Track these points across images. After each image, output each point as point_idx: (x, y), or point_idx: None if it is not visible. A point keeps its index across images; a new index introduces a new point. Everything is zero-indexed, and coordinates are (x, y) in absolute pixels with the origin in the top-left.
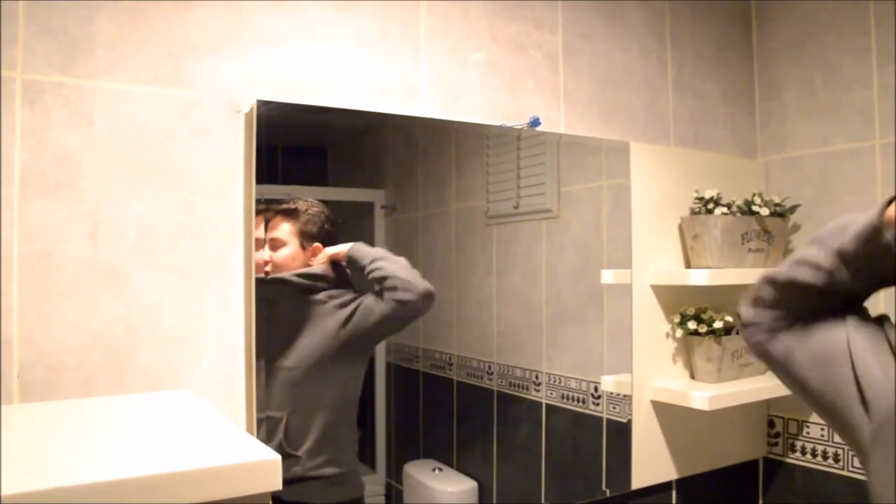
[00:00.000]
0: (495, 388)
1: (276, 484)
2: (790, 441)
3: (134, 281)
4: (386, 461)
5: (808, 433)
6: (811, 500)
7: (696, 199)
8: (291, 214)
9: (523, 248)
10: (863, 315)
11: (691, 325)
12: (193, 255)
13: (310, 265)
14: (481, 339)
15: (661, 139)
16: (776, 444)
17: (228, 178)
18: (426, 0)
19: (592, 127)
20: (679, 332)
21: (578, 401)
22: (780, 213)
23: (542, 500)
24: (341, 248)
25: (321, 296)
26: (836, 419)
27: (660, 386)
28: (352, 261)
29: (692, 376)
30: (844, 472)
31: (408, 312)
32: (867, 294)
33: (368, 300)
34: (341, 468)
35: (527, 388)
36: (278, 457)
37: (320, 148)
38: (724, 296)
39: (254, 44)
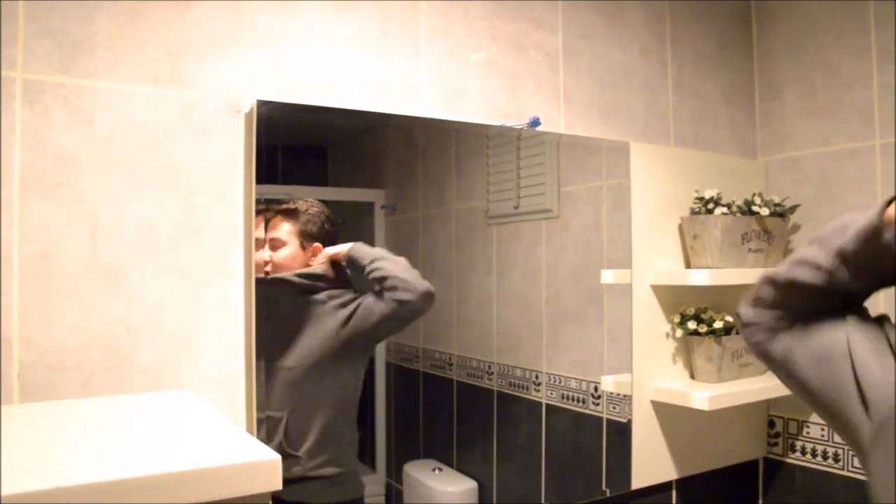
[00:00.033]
0: (495, 388)
1: (277, 484)
2: (790, 441)
3: (134, 281)
4: (386, 461)
5: (808, 433)
6: (811, 500)
7: (696, 199)
8: (291, 214)
9: (523, 248)
10: (863, 315)
11: (691, 325)
12: (193, 255)
13: (310, 265)
14: (481, 339)
15: (661, 139)
16: (776, 444)
17: (228, 178)
18: (426, 0)
19: (592, 127)
20: (679, 332)
21: (578, 401)
22: (780, 213)
23: (542, 500)
24: (341, 248)
25: (321, 296)
26: (837, 419)
27: (660, 386)
28: (351, 261)
29: (692, 376)
30: (844, 472)
31: (408, 312)
32: (867, 294)
33: (368, 300)
34: (341, 468)
35: (527, 388)
36: (278, 457)
37: (320, 148)
38: (724, 296)
39: (254, 44)
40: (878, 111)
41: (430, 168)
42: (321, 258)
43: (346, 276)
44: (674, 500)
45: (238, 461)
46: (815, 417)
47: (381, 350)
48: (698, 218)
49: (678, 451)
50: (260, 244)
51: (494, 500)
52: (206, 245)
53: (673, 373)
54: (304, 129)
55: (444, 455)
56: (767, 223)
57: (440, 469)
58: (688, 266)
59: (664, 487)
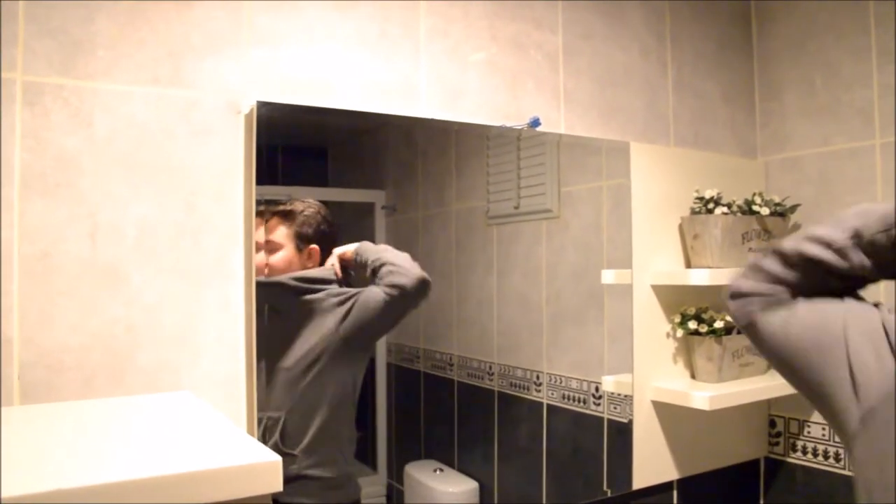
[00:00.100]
0: (496, 389)
1: (277, 485)
2: (791, 441)
3: (134, 281)
4: (387, 462)
5: (809, 433)
6: (812, 499)
7: (697, 198)
8: (287, 217)
9: (523, 248)
10: (862, 301)
11: (692, 324)
12: (193, 255)
13: (307, 267)
14: (482, 339)
15: (662, 139)
16: (777, 444)
17: (228, 178)
18: (426, 0)
19: (592, 127)
20: (679, 332)
21: (579, 401)
22: (781, 212)
23: (543, 501)
24: (349, 248)
25: (321, 294)
26: (823, 401)
27: (660, 386)
28: (359, 259)
29: (693, 376)
30: (845, 472)
31: (403, 297)
32: (869, 281)
33: (366, 291)
34: (338, 469)
35: (527, 389)
36: (278, 458)
37: (320, 148)
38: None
39: (254, 44)
40: (878, 111)
41: (431, 168)
42: (332, 260)
43: (351, 276)
44: (675, 500)
45: (238, 463)
46: (816, 417)
47: (381, 351)
48: (698, 218)
49: (679, 451)
50: (258, 247)
51: (495, 501)
52: (207, 245)
53: (673, 373)
54: (304, 130)
55: (445, 455)
56: (768, 223)
57: (441, 469)
58: (688, 266)
59: (665, 487)
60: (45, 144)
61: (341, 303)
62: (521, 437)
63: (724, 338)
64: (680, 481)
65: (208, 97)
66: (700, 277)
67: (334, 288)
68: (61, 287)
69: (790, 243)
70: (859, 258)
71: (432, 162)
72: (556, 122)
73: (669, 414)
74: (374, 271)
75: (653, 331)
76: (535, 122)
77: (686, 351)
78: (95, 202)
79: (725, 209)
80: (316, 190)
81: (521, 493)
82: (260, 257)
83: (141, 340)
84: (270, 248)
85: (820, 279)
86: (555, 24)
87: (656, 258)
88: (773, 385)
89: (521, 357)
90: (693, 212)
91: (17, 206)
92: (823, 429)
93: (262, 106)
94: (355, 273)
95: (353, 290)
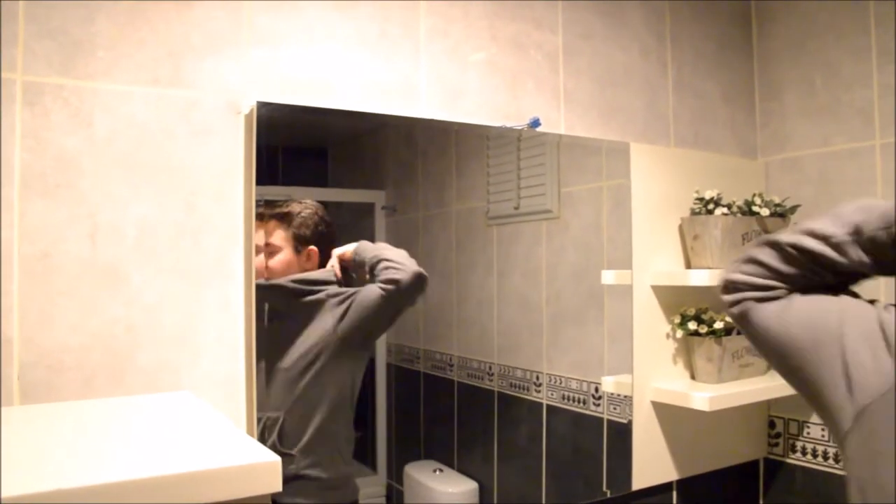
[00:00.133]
0: (496, 389)
1: (276, 486)
2: (791, 441)
3: (134, 281)
4: (387, 462)
5: (808, 434)
6: (812, 500)
7: (697, 199)
8: (284, 219)
9: (523, 248)
10: (858, 298)
11: (692, 325)
12: (193, 255)
13: (306, 269)
14: (482, 339)
15: (662, 139)
16: (777, 445)
17: (228, 178)
18: (426, 0)
19: (592, 127)
20: (679, 333)
21: (579, 401)
22: (781, 213)
23: (543, 501)
24: (348, 249)
25: (320, 295)
26: (816, 397)
27: (660, 387)
28: (358, 258)
29: (692, 377)
30: (844, 473)
31: (399, 291)
32: (864, 277)
33: (363, 291)
34: (336, 470)
35: (527, 389)
36: (278, 458)
37: (320, 149)
38: None
39: (254, 44)
40: (878, 111)
41: (431, 169)
42: (332, 261)
43: (351, 276)
44: (674, 501)
45: (238, 463)
46: (815, 418)
47: (381, 351)
48: (698, 218)
49: (679, 451)
50: (257, 250)
51: (495, 501)
52: (206, 245)
53: (673, 373)
54: (304, 130)
55: (445, 456)
56: (768, 223)
57: (441, 470)
58: (688, 266)
59: (665, 488)
60: (45, 144)
61: (339, 303)
62: (521, 437)
63: (724, 339)
64: (679, 482)
65: (208, 97)
66: (700, 278)
67: (333, 288)
68: (61, 287)
69: (787, 236)
70: (857, 254)
71: (432, 162)
72: (556, 123)
73: (669, 414)
74: (372, 269)
75: (653, 331)
76: (535, 123)
77: (686, 352)
78: (95, 202)
79: (725, 210)
80: (316, 190)
81: (520, 494)
82: (259, 260)
83: (141, 340)
84: (269, 250)
85: (816, 273)
86: (555, 24)
87: (656, 259)
88: (772, 386)
89: (521, 357)
90: (693, 212)
91: (17, 207)
92: (823, 430)
93: (262, 106)
94: (356, 274)
95: (351, 290)
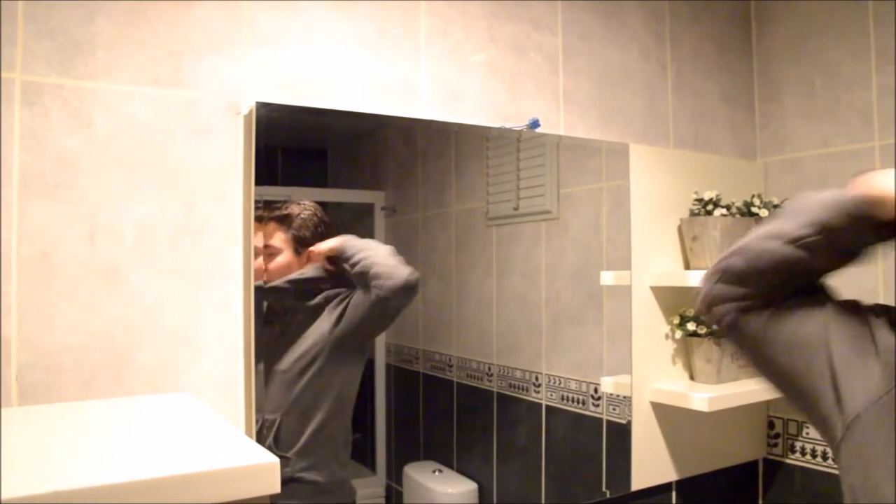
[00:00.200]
0: (495, 390)
1: (275, 487)
2: (790, 442)
3: (133, 281)
4: (386, 463)
5: (807, 434)
6: (811, 500)
7: (696, 200)
8: (284, 221)
9: (523, 249)
10: (843, 304)
11: (691, 326)
12: (193, 255)
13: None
14: (481, 340)
15: (661, 141)
16: (776, 445)
17: (228, 178)
18: (426, 0)
19: (592, 128)
20: (678, 334)
21: (578, 402)
22: None
23: (542, 502)
24: (330, 243)
25: (318, 299)
26: (807, 408)
27: (659, 387)
28: (342, 255)
29: (692, 377)
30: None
31: (393, 298)
32: (831, 270)
33: (357, 294)
34: (331, 474)
35: (526, 390)
36: (276, 460)
37: (320, 149)
38: None
39: (253, 44)
40: (878, 112)
41: (430, 169)
42: (315, 258)
43: (345, 270)
44: (674, 502)
45: (236, 464)
46: None
47: (381, 352)
48: (698, 219)
49: (678, 452)
50: (257, 252)
51: (494, 502)
52: (206, 245)
53: (672, 374)
54: (303, 131)
55: (445, 456)
56: None
57: (440, 470)
58: (687, 267)
59: (664, 489)
60: (45, 145)
61: (336, 305)
62: (520, 438)
63: (723, 339)
64: (679, 482)
65: (208, 97)
66: (699, 279)
67: (330, 290)
68: (60, 288)
69: (756, 242)
70: (821, 248)
71: (432, 163)
72: (555, 124)
73: (668, 415)
74: (362, 274)
75: (652, 332)
76: (535, 124)
77: (685, 352)
78: (95, 202)
79: (724, 211)
80: (315, 191)
81: (520, 495)
82: (258, 262)
83: (140, 341)
84: (269, 252)
85: (788, 275)
86: (554, 24)
87: (655, 260)
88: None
89: (521, 358)
90: (692, 213)
91: (16, 207)
92: None
93: (262, 106)
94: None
95: (346, 292)
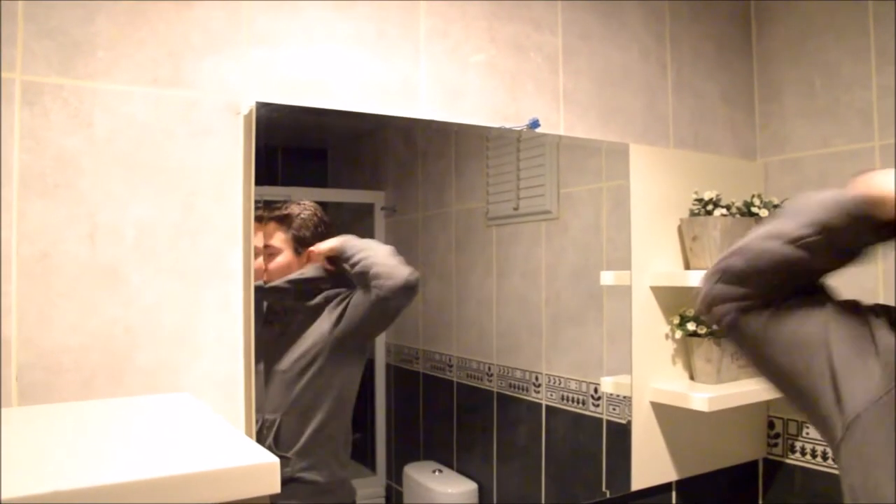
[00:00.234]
0: (495, 390)
1: (275, 487)
2: (790, 442)
3: (133, 281)
4: (386, 463)
5: (807, 434)
6: (811, 500)
7: (696, 200)
8: (284, 221)
9: (523, 249)
10: (844, 304)
11: (691, 326)
12: (192, 255)
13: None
14: (481, 340)
15: (661, 141)
16: (776, 445)
17: (228, 178)
18: (426, 0)
19: (592, 128)
20: (678, 334)
21: (578, 402)
22: None
23: (542, 502)
24: (330, 243)
25: (318, 299)
26: (807, 408)
27: (659, 387)
28: (341, 255)
29: (692, 377)
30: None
31: (393, 298)
32: (834, 269)
33: (357, 294)
34: (331, 474)
35: (526, 390)
36: (276, 460)
37: (320, 149)
38: None
39: (253, 44)
40: (878, 112)
41: (430, 169)
42: (315, 258)
43: (343, 271)
44: (673, 502)
45: (236, 464)
46: None
47: (381, 352)
48: (698, 219)
49: (678, 452)
50: (256, 252)
51: (494, 502)
52: (206, 245)
53: (672, 374)
54: (303, 131)
55: (445, 457)
56: None
57: (440, 471)
58: (687, 267)
59: (664, 489)
60: (45, 145)
61: (336, 305)
62: (520, 438)
63: (723, 339)
64: (679, 482)
65: (208, 97)
66: (699, 279)
67: (330, 290)
68: (60, 288)
69: (756, 242)
70: (821, 250)
71: (432, 163)
72: (555, 124)
73: (668, 415)
74: (362, 275)
75: (652, 332)
76: (535, 124)
77: (685, 352)
78: (95, 202)
79: (724, 211)
80: (315, 191)
81: (520, 495)
82: (258, 262)
83: (140, 341)
84: (269, 252)
85: (788, 275)
86: (554, 24)
87: (655, 260)
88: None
89: (521, 358)
90: (692, 213)
91: (16, 207)
92: None
93: (262, 107)
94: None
95: (346, 292)
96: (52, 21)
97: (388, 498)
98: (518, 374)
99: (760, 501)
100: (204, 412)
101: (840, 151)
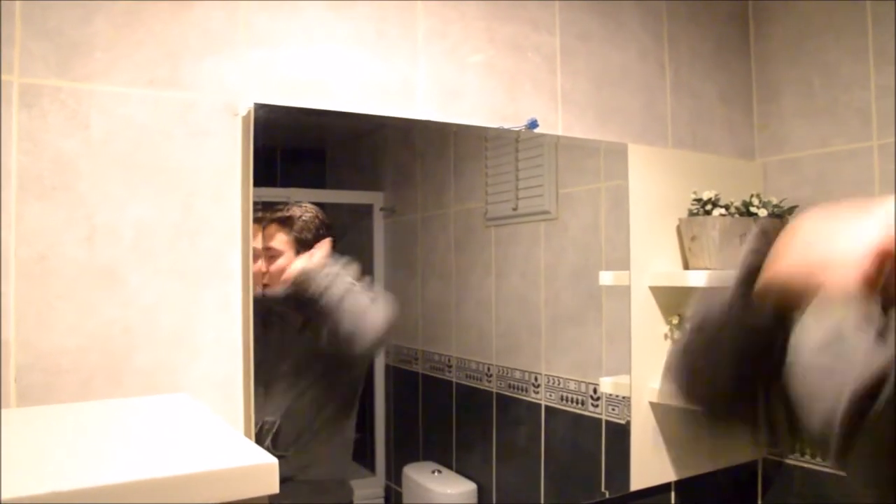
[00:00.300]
0: (494, 390)
1: (274, 487)
2: None
3: (131, 282)
4: (385, 463)
5: None
6: (810, 501)
7: (694, 200)
8: (285, 223)
9: (522, 249)
10: None
11: None
12: (191, 256)
13: None
14: (480, 340)
15: (659, 141)
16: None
17: (226, 179)
18: (424, 0)
19: (590, 128)
20: (678, 334)
21: (577, 402)
22: (779, 214)
23: (542, 502)
24: (291, 271)
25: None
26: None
27: (659, 387)
28: (306, 288)
29: None
30: (843, 473)
31: (368, 352)
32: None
33: (328, 327)
34: (329, 474)
35: (526, 390)
36: (275, 460)
37: (318, 150)
38: None
39: (251, 45)
40: (876, 112)
41: (429, 170)
42: (285, 277)
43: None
44: (673, 502)
45: (235, 465)
46: None
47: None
48: (696, 219)
49: (677, 452)
50: (256, 254)
51: (494, 502)
52: (204, 246)
53: None
54: (301, 132)
55: (444, 457)
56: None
57: (439, 471)
58: (686, 267)
59: (663, 489)
60: (43, 147)
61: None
62: (520, 438)
63: None
64: (678, 483)
65: (206, 99)
66: (698, 279)
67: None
68: (58, 289)
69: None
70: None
71: (431, 163)
72: (553, 124)
73: (667, 415)
74: (331, 332)
75: (651, 332)
76: (533, 124)
77: None
78: (93, 204)
79: (723, 211)
80: (314, 192)
81: (519, 495)
82: (259, 265)
83: (138, 342)
84: (269, 254)
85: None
86: (552, 25)
87: (654, 260)
88: None
89: (520, 358)
90: (691, 213)
91: (14, 209)
92: None
93: (260, 108)
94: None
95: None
96: (49, 22)
97: (387, 498)
98: (517, 375)
99: (760, 502)
100: (203, 413)
101: (839, 151)
